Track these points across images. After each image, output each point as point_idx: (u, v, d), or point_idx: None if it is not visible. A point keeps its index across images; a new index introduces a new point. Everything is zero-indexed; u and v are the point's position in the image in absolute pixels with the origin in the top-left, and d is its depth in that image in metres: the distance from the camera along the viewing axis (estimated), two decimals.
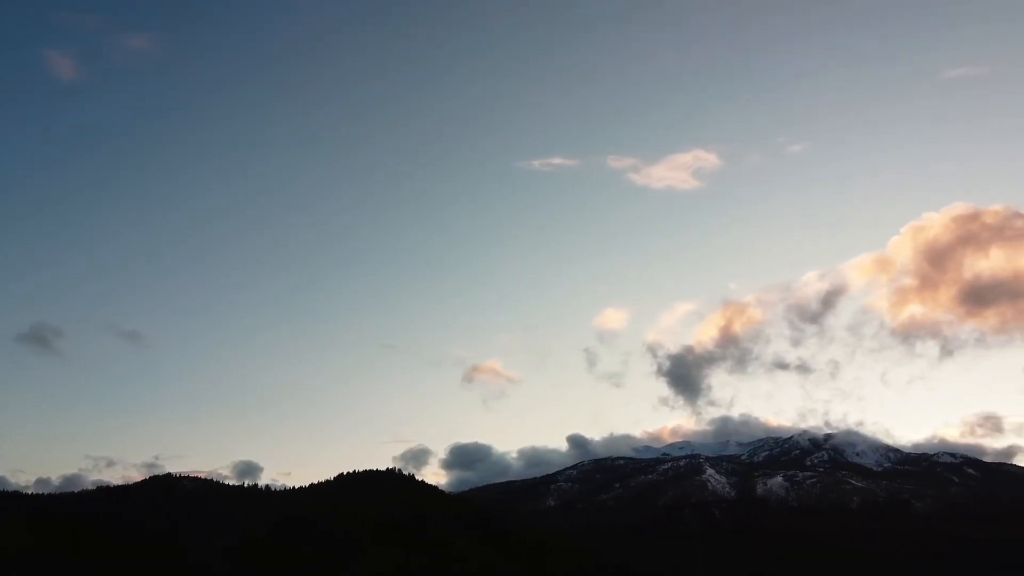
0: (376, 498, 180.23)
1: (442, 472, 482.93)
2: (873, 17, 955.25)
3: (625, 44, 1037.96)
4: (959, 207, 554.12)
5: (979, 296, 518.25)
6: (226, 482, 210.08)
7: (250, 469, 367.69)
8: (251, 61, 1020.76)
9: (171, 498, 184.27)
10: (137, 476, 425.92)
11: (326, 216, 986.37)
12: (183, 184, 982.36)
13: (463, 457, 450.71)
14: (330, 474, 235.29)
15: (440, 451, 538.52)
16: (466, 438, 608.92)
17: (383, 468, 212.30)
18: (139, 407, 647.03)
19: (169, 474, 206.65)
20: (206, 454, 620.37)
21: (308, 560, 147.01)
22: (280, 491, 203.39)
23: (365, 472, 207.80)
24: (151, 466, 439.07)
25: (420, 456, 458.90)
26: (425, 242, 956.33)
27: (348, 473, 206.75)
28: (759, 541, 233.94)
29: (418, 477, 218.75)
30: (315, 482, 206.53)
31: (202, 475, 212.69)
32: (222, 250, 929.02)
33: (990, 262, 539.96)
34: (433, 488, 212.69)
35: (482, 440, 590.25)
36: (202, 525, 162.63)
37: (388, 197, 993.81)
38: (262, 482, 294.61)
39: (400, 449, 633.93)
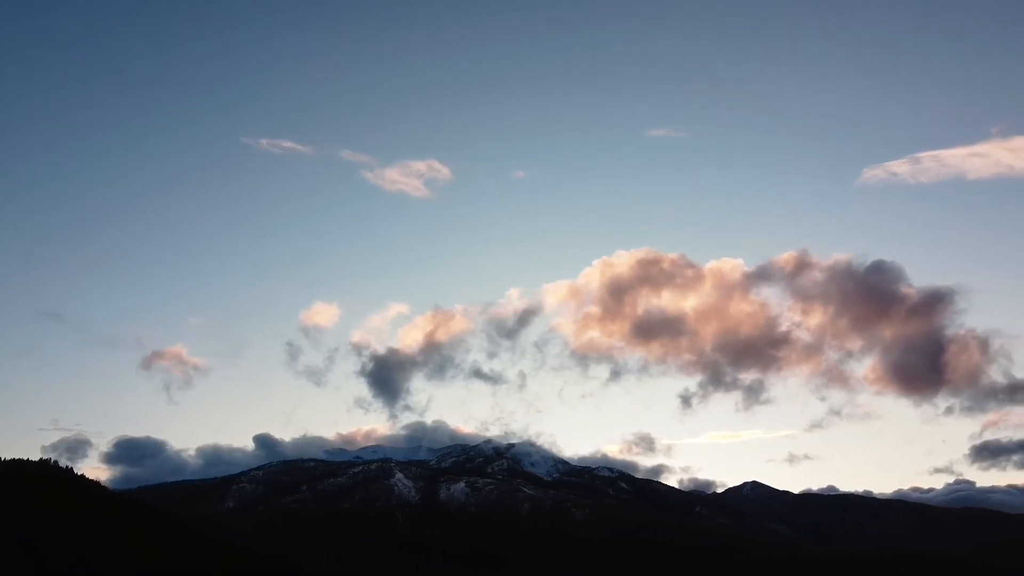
0: (23, 493, 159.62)
1: (104, 467, 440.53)
2: (593, 75, 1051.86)
3: (377, 43, 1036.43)
4: (644, 250, 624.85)
5: (647, 330, 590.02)
6: None
7: None
8: None
9: None
10: None
11: None
12: None
13: (131, 452, 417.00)
14: None
15: (103, 443, 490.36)
16: (140, 430, 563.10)
17: (35, 459, 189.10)
18: None
19: None
20: None
21: None
22: None
23: (12, 461, 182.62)
24: None
25: (78, 447, 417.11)
26: (112, 200, 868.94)
27: None
28: (434, 544, 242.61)
29: (77, 471, 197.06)
30: None
31: None
32: None
33: (660, 301, 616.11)
34: (95, 483, 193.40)
35: (157, 434, 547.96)
36: None
37: (80, 144, 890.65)
38: None
39: (56, 437, 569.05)
